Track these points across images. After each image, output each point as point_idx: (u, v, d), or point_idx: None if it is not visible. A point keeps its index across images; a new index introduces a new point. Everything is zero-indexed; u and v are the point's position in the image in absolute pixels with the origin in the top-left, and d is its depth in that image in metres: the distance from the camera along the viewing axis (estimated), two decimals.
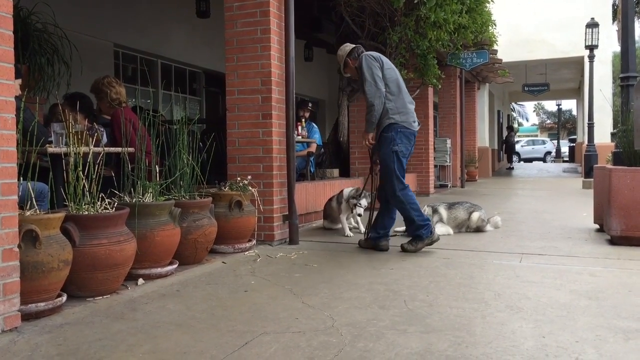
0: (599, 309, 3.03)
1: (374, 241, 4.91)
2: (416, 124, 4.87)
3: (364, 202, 5.70)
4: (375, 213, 5.06)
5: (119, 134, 4.55)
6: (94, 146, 3.71)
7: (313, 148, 7.66)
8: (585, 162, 13.35)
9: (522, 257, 4.53)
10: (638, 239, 4.86)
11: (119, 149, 4.18)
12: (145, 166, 3.97)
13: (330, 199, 6.15)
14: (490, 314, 2.97)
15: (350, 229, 5.79)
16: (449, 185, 12.95)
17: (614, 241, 5.06)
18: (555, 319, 2.86)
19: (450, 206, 6.04)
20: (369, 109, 4.69)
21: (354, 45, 5.03)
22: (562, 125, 46.90)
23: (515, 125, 40.47)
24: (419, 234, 4.73)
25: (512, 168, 24.77)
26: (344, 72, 5.20)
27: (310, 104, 8.11)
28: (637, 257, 4.47)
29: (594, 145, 13.32)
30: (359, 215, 5.71)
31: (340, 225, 5.90)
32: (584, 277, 3.82)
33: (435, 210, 5.97)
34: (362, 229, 5.65)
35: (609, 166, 5.41)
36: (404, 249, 4.78)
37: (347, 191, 5.90)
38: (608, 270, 4.06)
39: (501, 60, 13.68)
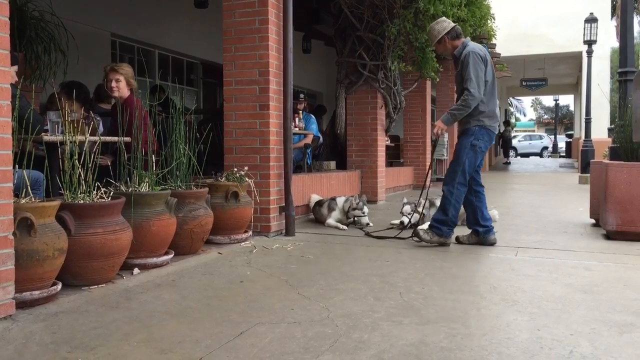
0: (594, 303, 3.04)
1: (484, 235, 4.78)
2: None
3: (366, 209, 5.76)
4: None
5: (132, 119, 4.47)
6: (90, 135, 3.69)
7: (309, 139, 7.65)
8: (582, 157, 13.36)
9: (518, 251, 4.53)
10: (634, 233, 4.87)
11: (115, 138, 4.17)
12: (142, 155, 3.95)
13: (320, 204, 6.09)
14: (486, 306, 2.97)
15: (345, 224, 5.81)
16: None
17: (609, 236, 5.07)
18: (551, 312, 2.87)
19: None
20: (461, 107, 4.58)
21: (453, 24, 4.82)
22: (559, 121, 46.96)
23: (513, 120, 40.50)
24: (440, 229, 4.67)
25: (509, 163, 24.79)
26: (432, 45, 5.00)
27: (302, 95, 8.05)
28: (633, 251, 4.48)
29: (591, 140, 13.34)
30: (366, 224, 5.75)
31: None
32: (580, 271, 3.83)
33: (432, 204, 5.96)
34: (366, 221, 5.77)
35: (606, 161, 5.41)
36: (417, 235, 4.72)
37: (341, 201, 5.90)
38: (603, 264, 4.07)
39: (499, 54, 13.65)
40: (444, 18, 4.93)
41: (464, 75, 4.60)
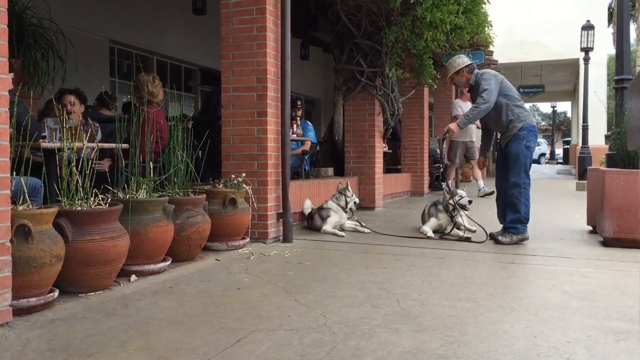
0: (591, 310, 3.04)
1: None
2: None
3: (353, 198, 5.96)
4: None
5: (144, 130, 4.48)
6: (88, 142, 3.70)
7: (307, 146, 7.66)
8: (579, 164, 13.40)
9: (515, 258, 4.54)
10: (630, 240, 4.88)
11: (112, 145, 4.17)
12: (140, 162, 3.95)
13: (311, 217, 6.03)
14: (483, 313, 2.97)
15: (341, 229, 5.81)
16: (444, 185, 12.94)
17: (606, 243, 5.08)
18: (547, 319, 2.87)
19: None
20: (478, 112, 5.17)
21: (470, 61, 5.56)
22: (556, 127, 47.04)
23: None
24: (516, 227, 5.12)
25: None
26: (449, 77, 5.58)
27: (299, 102, 8.06)
28: (629, 258, 4.49)
29: (588, 147, 13.38)
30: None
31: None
32: (577, 278, 3.83)
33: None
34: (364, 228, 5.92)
35: (603, 168, 5.43)
36: (495, 240, 5.14)
37: (332, 204, 5.92)
38: (600, 271, 4.07)
39: (497, 61, 13.69)
40: (462, 55, 5.75)
41: (479, 89, 5.24)
